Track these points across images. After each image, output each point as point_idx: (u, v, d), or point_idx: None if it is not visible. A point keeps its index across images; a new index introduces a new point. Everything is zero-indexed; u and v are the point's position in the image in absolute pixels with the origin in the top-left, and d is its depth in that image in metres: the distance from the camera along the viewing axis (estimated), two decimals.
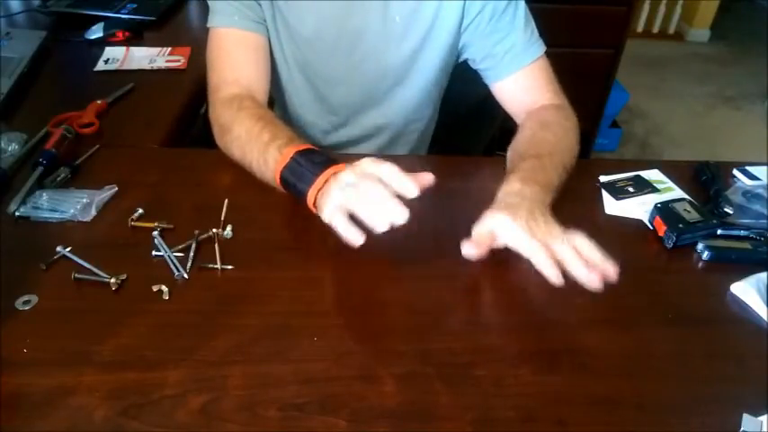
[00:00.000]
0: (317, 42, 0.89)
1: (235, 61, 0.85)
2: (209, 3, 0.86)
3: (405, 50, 0.90)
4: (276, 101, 1.06)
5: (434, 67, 0.93)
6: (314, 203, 0.66)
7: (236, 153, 0.79)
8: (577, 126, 0.85)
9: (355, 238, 0.60)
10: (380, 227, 0.60)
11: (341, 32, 0.87)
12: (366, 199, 0.60)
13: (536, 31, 0.89)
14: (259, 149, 0.73)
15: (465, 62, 0.96)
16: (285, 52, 0.92)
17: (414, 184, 0.61)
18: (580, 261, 0.62)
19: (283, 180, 0.70)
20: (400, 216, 0.59)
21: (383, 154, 1.01)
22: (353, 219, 0.61)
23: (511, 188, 0.70)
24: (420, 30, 0.88)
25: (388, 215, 0.59)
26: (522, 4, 0.87)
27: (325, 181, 0.66)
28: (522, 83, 0.89)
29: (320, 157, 0.69)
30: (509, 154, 0.81)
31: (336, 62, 0.91)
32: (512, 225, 0.64)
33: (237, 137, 0.78)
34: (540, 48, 0.89)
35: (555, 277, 0.61)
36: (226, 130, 0.80)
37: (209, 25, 0.86)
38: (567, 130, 0.83)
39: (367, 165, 0.63)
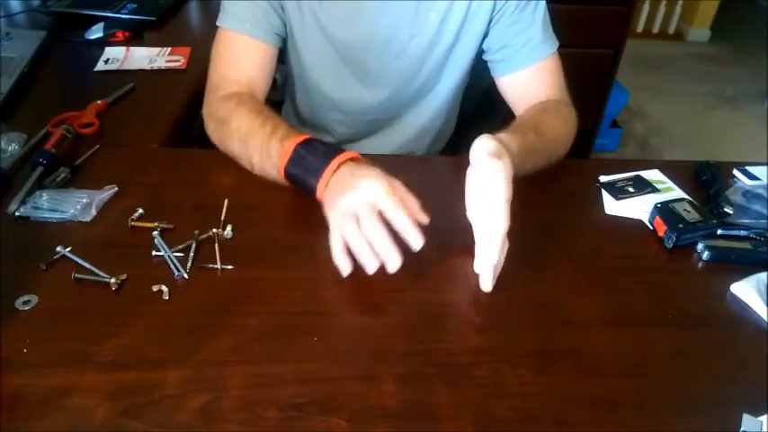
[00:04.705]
0: (351, 40, 0.89)
1: (239, 63, 0.85)
2: (223, 1, 0.85)
3: (440, 49, 0.90)
4: (292, 106, 1.05)
5: (465, 65, 0.94)
6: (322, 196, 0.68)
7: (235, 145, 0.78)
8: (574, 122, 0.86)
9: (344, 268, 0.63)
10: (370, 269, 0.62)
11: (375, 31, 0.88)
12: (364, 240, 0.62)
13: (551, 28, 0.90)
14: (262, 140, 0.74)
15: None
16: (316, 54, 0.91)
17: (419, 237, 0.62)
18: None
19: (289, 174, 0.71)
20: (393, 264, 0.61)
21: (399, 154, 1.02)
22: None
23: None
24: (453, 28, 0.88)
25: (381, 259, 0.61)
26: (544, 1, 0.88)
27: (333, 172, 0.67)
28: (533, 77, 0.89)
29: (323, 147, 0.70)
30: None
31: (371, 61, 0.91)
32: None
33: (237, 128, 0.77)
34: (553, 44, 0.89)
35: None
36: (224, 123, 0.80)
37: (218, 24, 0.86)
38: (565, 121, 0.84)
39: (376, 193, 0.63)
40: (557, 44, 0.89)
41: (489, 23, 0.88)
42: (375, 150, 1.02)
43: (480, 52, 0.93)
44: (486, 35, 0.90)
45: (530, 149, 0.73)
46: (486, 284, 0.63)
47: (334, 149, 0.70)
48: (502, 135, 0.68)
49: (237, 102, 0.80)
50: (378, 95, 0.95)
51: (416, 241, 0.62)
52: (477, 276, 0.66)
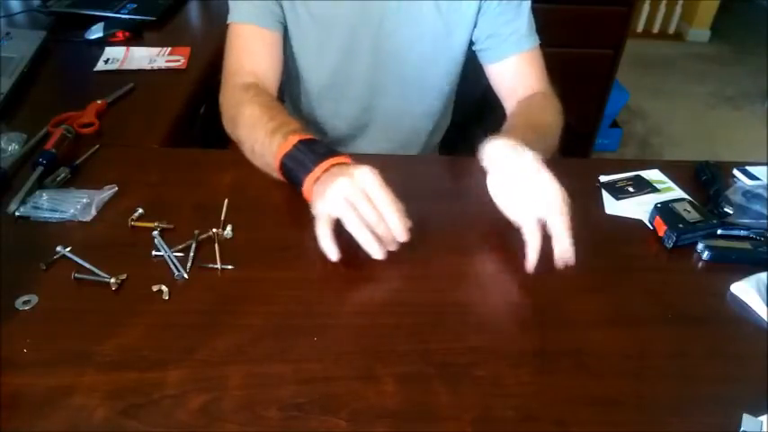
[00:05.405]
0: (344, 25, 0.91)
1: (252, 53, 0.89)
2: (230, 0, 0.90)
3: (431, 34, 0.92)
4: (290, 104, 1.07)
5: (458, 54, 0.96)
6: (309, 191, 0.68)
7: (243, 130, 0.80)
8: (561, 111, 0.90)
9: (332, 253, 0.64)
10: (378, 254, 0.64)
11: (363, 12, 0.90)
12: (363, 225, 0.63)
13: (534, 27, 0.94)
14: (266, 132, 0.75)
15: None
16: (310, 47, 0.93)
17: (406, 232, 0.64)
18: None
19: (283, 165, 0.71)
20: (402, 236, 0.64)
21: (394, 155, 1.02)
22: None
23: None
24: (443, 12, 0.90)
25: (383, 244, 0.64)
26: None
27: (324, 171, 0.67)
28: (520, 67, 0.93)
29: (322, 147, 0.71)
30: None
31: (362, 44, 0.92)
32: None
33: (249, 115, 0.80)
34: (536, 40, 0.94)
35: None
36: (238, 108, 0.82)
37: (228, 21, 0.90)
38: (553, 113, 0.89)
39: (369, 182, 0.64)
40: (538, 41, 0.94)
41: (478, 13, 0.91)
42: (373, 146, 1.04)
43: (471, 44, 0.95)
44: (475, 25, 0.93)
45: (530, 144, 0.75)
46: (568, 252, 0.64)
47: (331, 151, 0.70)
48: (509, 138, 0.71)
49: (255, 93, 0.83)
50: (371, 80, 0.96)
51: (403, 236, 0.65)
52: (476, 276, 0.67)
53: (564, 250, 0.64)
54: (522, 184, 0.67)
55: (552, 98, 0.92)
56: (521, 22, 0.91)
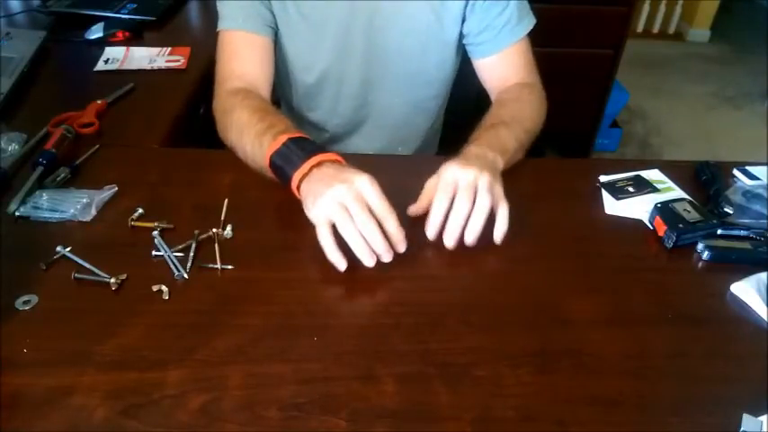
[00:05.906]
0: (334, 23, 0.91)
1: (242, 59, 0.89)
2: (218, 6, 0.89)
3: (420, 29, 0.92)
4: (283, 105, 1.07)
5: (449, 51, 0.96)
6: (297, 188, 0.68)
7: (233, 136, 0.80)
8: (542, 98, 0.91)
9: (341, 264, 0.64)
10: (370, 263, 0.64)
11: (355, 10, 0.90)
12: (357, 232, 0.63)
13: (527, 5, 0.93)
14: (256, 133, 0.75)
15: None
16: (301, 45, 0.94)
17: (404, 242, 0.65)
18: (458, 226, 0.67)
19: (272, 163, 0.71)
20: (388, 258, 0.64)
21: (391, 154, 1.02)
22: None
23: (464, 152, 0.76)
24: (432, 7, 0.90)
25: (376, 252, 0.64)
26: None
27: (312, 167, 0.68)
28: (510, 58, 0.93)
29: (311, 144, 0.71)
30: None
31: (355, 42, 0.93)
32: (450, 165, 0.71)
33: (238, 119, 0.80)
34: (530, 21, 0.93)
35: (431, 234, 0.68)
36: (228, 114, 0.82)
37: (218, 29, 0.90)
38: (528, 102, 0.89)
39: (363, 186, 0.64)
40: (533, 20, 0.93)
41: (465, 8, 0.91)
42: (370, 143, 1.04)
43: (462, 37, 0.95)
44: (464, 19, 0.92)
45: (501, 142, 0.79)
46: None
47: (320, 148, 0.71)
48: (471, 150, 0.76)
49: (244, 97, 0.83)
50: (366, 76, 0.97)
51: (401, 246, 0.65)
52: (476, 277, 0.66)
53: (446, 233, 0.68)
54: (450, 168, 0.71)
55: (527, 87, 0.92)
56: (511, 9, 0.90)
